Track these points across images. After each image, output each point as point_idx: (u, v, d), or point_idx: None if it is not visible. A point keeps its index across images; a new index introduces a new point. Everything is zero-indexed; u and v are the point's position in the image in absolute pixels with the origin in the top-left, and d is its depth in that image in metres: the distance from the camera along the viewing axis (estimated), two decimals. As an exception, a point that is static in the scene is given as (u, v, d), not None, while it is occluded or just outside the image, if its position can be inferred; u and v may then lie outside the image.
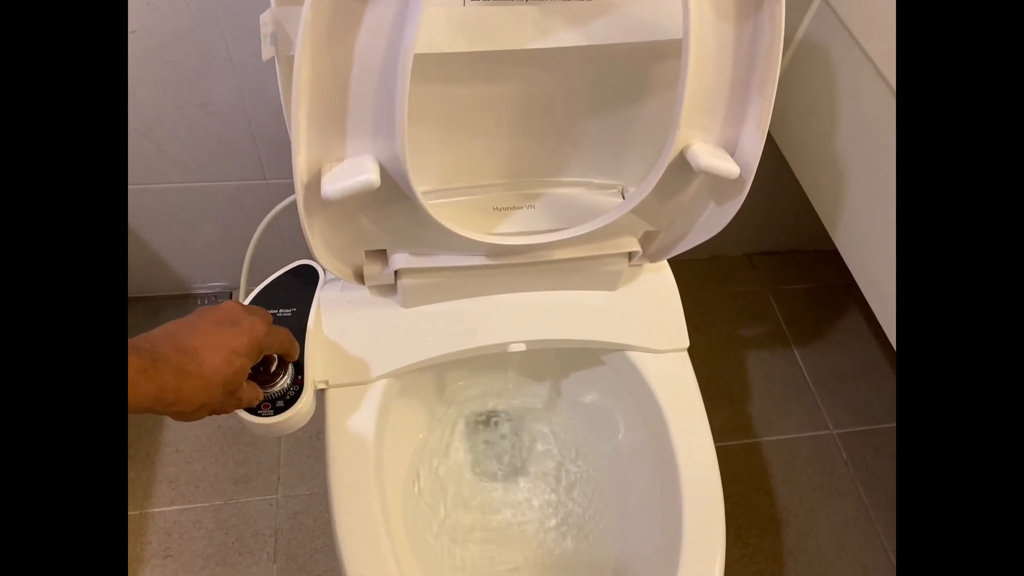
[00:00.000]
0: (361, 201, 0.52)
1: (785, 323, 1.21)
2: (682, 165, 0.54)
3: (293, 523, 0.94)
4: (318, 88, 0.44)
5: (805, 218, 1.14)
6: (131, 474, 0.96)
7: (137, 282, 1.10)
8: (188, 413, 0.42)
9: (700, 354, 0.69)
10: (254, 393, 0.51)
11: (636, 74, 0.55)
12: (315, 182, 0.49)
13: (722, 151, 0.54)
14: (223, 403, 0.45)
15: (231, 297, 1.15)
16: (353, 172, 0.47)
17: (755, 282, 1.26)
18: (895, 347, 0.61)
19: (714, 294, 1.24)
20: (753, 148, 0.53)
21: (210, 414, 0.44)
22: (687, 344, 0.69)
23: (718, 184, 0.57)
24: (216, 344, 0.43)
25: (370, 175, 0.47)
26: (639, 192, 0.55)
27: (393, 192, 0.51)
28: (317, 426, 0.61)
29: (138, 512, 0.93)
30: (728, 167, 0.52)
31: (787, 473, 1.04)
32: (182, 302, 1.12)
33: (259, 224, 0.79)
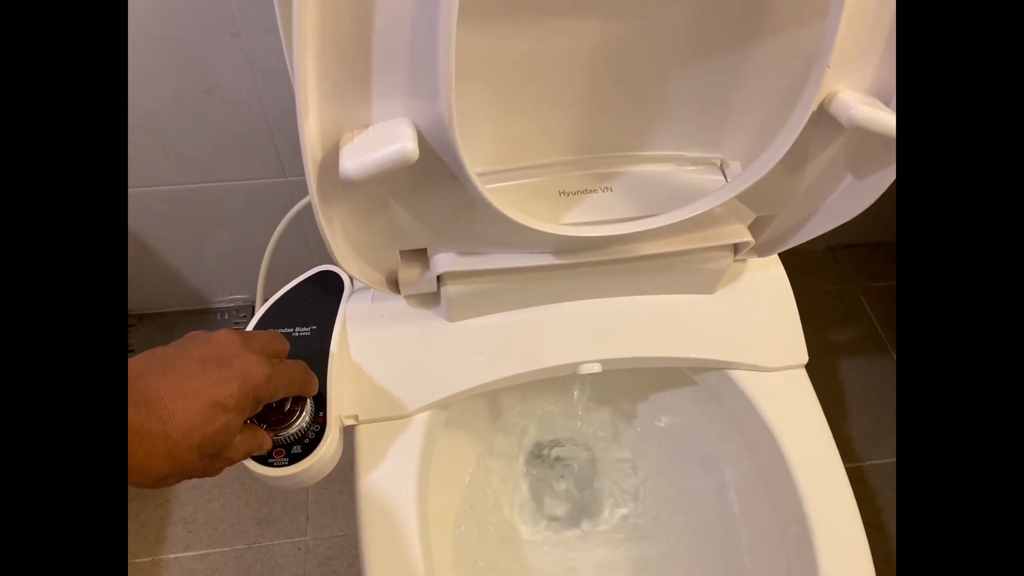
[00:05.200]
0: (394, 182, 0.40)
1: (880, 325, 1.06)
2: (820, 123, 0.40)
3: (324, 570, 0.82)
4: (332, 25, 0.32)
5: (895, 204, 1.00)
6: (143, 514, 0.85)
7: (148, 297, 1.00)
8: (148, 484, 0.30)
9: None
10: (256, 442, 0.38)
11: (752, 4, 0.41)
12: (332, 158, 0.37)
13: (876, 100, 0.40)
14: (203, 468, 0.33)
15: (253, 312, 1.04)
16: (382, 141, 0.35)
17: (842, 279, 1.11)
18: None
19: (795, 295, 1.08)
20: (921, 95, 0.39)
21: (184, 480, 0.32)
22: (806, 359, 0.55)
23: (863, 148, 0.43)
24: (193, 393, 0.31)
25: (405, 144, 0.34)
26: (763, 162, 0.42)
27: (435, 170, 0.39)
28: (349, 458, 0.50)
29: (150, 559, 0.82)
30: (890, 120, 0.38)
31: (899, 504, 0.88)
32: (199, 318, 1.02)
33: (277, 227, 0.68)
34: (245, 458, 0.38)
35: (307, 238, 0.93)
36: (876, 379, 1.00)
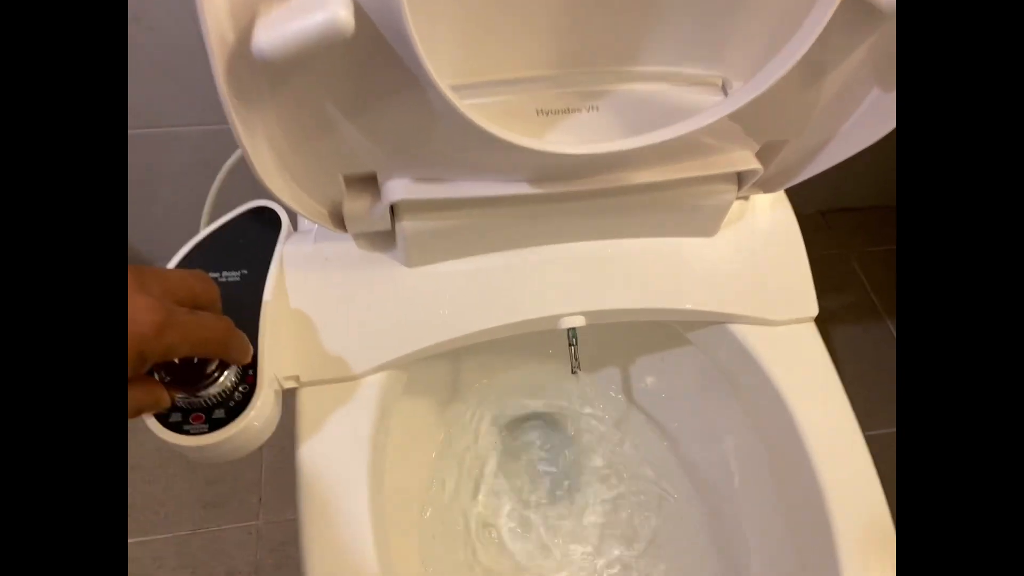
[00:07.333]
0: (330, 77, 0.32)
1: (874, 292, 1.01)
2: (848, 15, 0.33)
3: (278, 556, 0.75)
4: None
5: (889, 167, 0.95)
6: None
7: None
8: None
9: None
10: (150, 398, 0.30)
11: None
12: (245, 38, 0.29)
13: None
14: None
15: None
16: (307, 7, 0.27)
17: (833, 244, 1.06)
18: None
19: (785, 260, 1.03)
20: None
21: None
22: (816, 311, 0.49)
23: (895, 51, 0.37)
24: None
25: (336, 10, 0.26)
26: (778, 65, 0.35)
27: (381, 62, 0.31)
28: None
29: (82, 548, 0.74)
30: (939, 5, 0.31)
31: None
32: (143, 284, 0.93)
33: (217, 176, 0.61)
34: (136, 417, 0.30)
35: (258, 192, 0.84)
36: (870, 348, 0.95)
